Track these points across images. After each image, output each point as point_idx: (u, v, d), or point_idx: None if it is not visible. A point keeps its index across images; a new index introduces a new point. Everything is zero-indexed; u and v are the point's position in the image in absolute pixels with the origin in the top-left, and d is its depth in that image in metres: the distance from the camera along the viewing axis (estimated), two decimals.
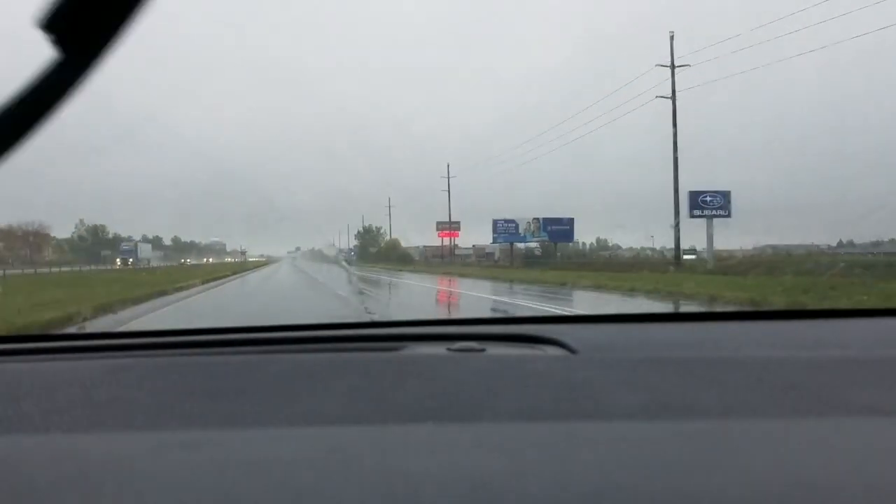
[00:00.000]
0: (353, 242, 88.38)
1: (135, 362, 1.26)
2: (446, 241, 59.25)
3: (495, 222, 42.87)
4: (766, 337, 1.46)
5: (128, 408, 0.94)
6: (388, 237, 79.06)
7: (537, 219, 41.57)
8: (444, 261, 58.33)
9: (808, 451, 0.69)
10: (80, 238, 64.01)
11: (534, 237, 42.00)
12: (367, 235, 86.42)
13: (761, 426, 0.79)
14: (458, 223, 63.51)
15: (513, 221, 42.53)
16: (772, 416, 0.85)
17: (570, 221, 41.86)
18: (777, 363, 1.12)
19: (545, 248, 40.11)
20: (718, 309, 10.33)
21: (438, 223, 62.89)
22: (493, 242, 42.26)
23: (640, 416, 0.84)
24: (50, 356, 1.34)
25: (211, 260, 60.01)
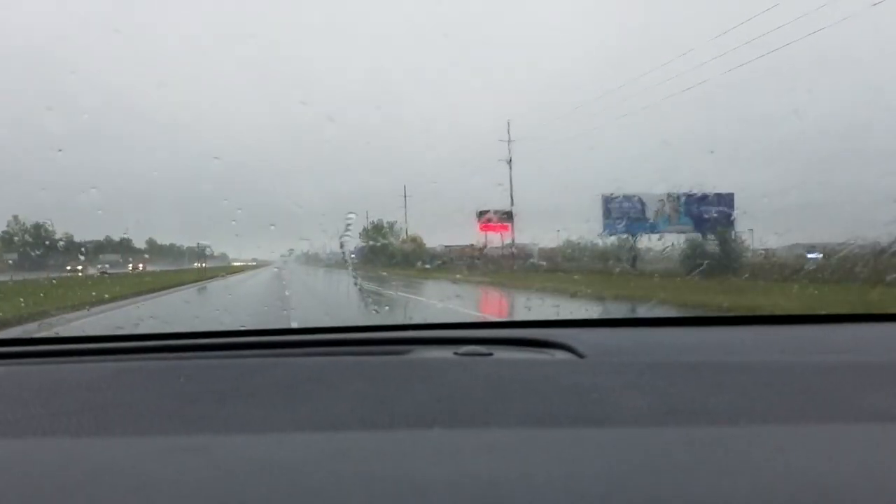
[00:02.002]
0: (358, 243, 69.38)
1: (141, 365, 1.27)
2: (491, 236, 41.64)
3: (607, 200, 25.02)
4: (775, 341, 1.46)
5: (135, 411, 0.95)
6: (403, 234, 60.75)
7: (674, 195, 24.12)
8: (489, 265, 40.40)
9: (817, 456, 0.70)
10: (4, 238, 46.80)
11: (670, 224, 24.30)
12: (376, 233, 67.19)
13: (771, 431, 0.79)
14: (509, 213, 43.85)
15: (635, 199, 24.62)
16: (781, 421, 0.85)
17: (728, 200, 24.27)
18: (786, 368, 1.12)
19: (727, 244, 21.67)
20: None
21: (480, 213, 43.44)
22: (605, 232, 25.27)
23: (648, 421, 0.84)
24: (57, 359, 1.36)
25: (141, 267, 42.98)
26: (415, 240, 53.18)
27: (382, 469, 0.66)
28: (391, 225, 67.74)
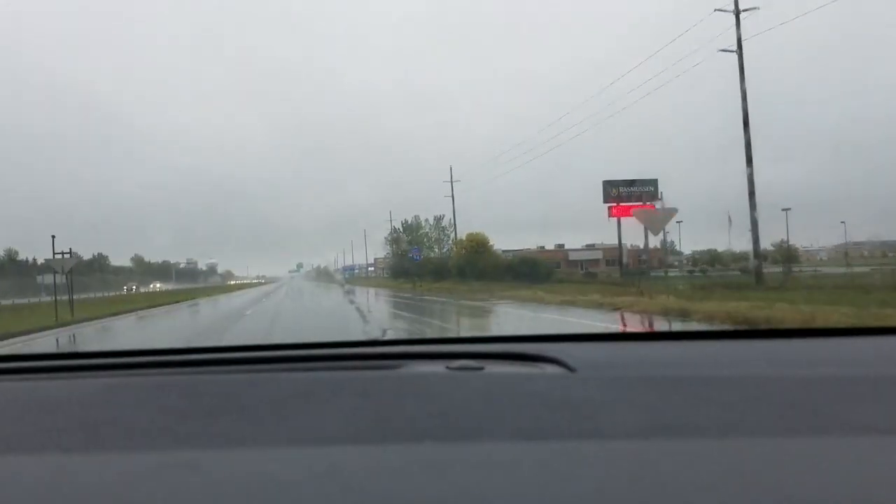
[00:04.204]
0: (384, 251, 54.64)
1: (132, 381, 1.26)
2: (628, 226, 27.05)
3: None
4: (764, 355, 1.43)
5: (125, 428, 0.94)
6: (452, 233, 44.43)
7: None
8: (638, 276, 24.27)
9: (806, 470, 0.70)
10: None
11: None
12: (411, 234, 50.02)
13: (760, 445, 0.80)
14: (654, 183, 26.93)
15: None
16: (770, 435, 0.85)
17: None
18: (776, 381, 1.11)
19: None
20: None
21: (609, 184, 26.90)
22: None
23: (638, 435, 0.84)
24: (47, 375, 1.33)
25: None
26: (480, 241, 37.15)
27: (374, 484, 0.66)
28: (438, 220, 50.78)
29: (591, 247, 44.97)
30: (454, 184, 41.93)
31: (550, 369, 1.25)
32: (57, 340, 13.42)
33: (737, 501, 0.59)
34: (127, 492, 0.65)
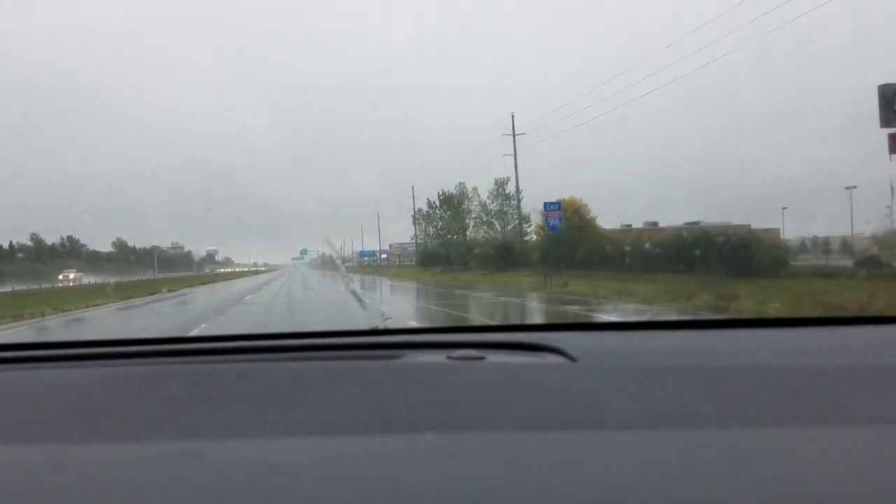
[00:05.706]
0: (408, 233, 43.92)
1: (133, 371, 1.26)
2: None
3: None
4: (766, 345, 1.43)
5: (126, 417, 0.95)
6: (517, 204, 33.60)
7: None
8: None
9: (809, 460, 0.71)
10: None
11: None
12: (451, 209, 39.35)
13: (762, 435, 0.80)
14: None
15: None
16: (772, 425, 0.85)
17: None
18: (777, 371, 1.11)
19: None
20: None
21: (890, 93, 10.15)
22: None
23: (640, 425, 0.85)
24: (47, 364, 1.34)
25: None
26: (575, 211, 26.45)
27: (375, 474, 0.67)
28: (500, 184, 40.01)
29: (691, 224, 32.06)
30: (517, 137, 30.12)
31: (551, 359, 1.24)
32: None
33: (738, 491, 0.59)
34: (127, 481, 0.65)
